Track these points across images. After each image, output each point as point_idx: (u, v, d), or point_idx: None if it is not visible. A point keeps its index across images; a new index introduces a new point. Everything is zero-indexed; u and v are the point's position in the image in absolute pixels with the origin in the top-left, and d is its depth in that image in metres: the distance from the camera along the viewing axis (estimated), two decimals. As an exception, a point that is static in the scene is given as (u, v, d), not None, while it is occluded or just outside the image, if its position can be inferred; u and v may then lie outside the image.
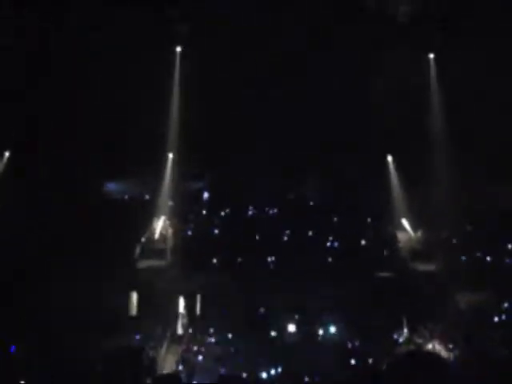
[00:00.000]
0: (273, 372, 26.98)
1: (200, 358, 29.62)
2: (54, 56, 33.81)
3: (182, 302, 32.97)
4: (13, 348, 26.67)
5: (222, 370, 27.59)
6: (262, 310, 31.85)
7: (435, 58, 35.99)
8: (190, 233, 37.56)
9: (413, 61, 34.01)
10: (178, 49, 36.42)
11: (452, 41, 33.24)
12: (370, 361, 27.74)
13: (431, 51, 35.87)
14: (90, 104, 33.24)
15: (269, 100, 34.78)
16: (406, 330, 30.87)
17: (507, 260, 34.74)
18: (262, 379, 26.73)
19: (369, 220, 37.90)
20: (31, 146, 33.57)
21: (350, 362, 27.87)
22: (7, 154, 35.91)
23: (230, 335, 30.75)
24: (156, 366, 27.98)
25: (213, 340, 30.99)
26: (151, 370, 26.02)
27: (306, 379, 26.13)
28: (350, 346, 29.40)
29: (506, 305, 31.70)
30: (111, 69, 33.62)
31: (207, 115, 33.42)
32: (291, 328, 29.53)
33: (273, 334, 30.75)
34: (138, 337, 29.99)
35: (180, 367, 28.40)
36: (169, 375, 25.55)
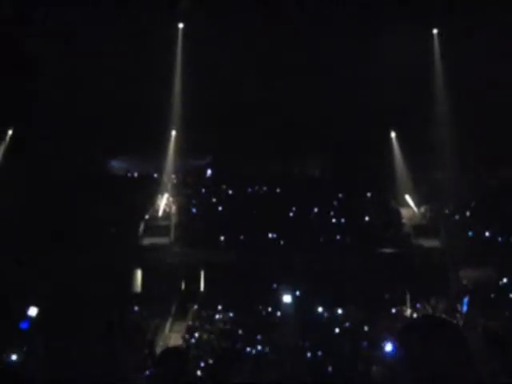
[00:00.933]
0: (269, 347, 27.17)
1: (205, 334, 29.75)
2: (56, 34, 33.69)
3: (185, 278, 33.11)
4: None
5: (225, 345, 27.75)
6: (266, 285, 31.88)
7: (439, 34, 35.86)
8: (193, 210, 37.61)
9: (416, 36, 33.80)
10: (181, 25, 36.27)
11: (456, 15, 33.00)
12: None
13: (435, 26, 35.74)
14: (93, 83, 33.13)
15: (270, 77, 34.67)
16: (409, 306, 30.98)
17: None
18: (261, 353, 26.92)
19: (372, 196, 37.90)
20: (34, 123, 33.52)
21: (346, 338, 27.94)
22: (10, 132, 36.02)
23: (232, 311, 30.86)
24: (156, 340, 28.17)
25: (217, 316, 31.11)
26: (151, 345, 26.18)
27: (309, 355, 26.31)
28: (348, 324, 29.42)
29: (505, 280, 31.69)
30: (114, 46, 33.53)
31: (210, 92, 33.33)
32: (286, 299, 29.46)
33: (270, 309, 30.83)
34: (136, 309, 30.21)
35: (185, 343, 28.51)
36: (176, 348, 25.66)
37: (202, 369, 23.70)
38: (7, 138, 36.07)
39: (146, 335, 27.86)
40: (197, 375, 22.57)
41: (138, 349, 24.70)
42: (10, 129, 36.01)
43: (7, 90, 31.82)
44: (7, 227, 29.56)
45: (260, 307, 31.00)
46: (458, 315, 29.37)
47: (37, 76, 32.93)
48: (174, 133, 37.37)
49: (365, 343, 26.39)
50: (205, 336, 29.26)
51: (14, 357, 20.48)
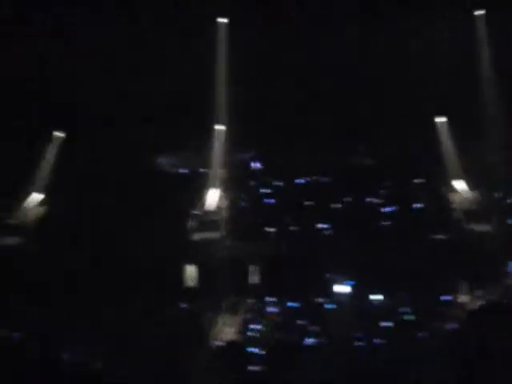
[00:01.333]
0: (324, 338, 27.18)
1: (258, 327, 29.85)
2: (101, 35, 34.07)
3: (237, 272, 33.20)
4: None
5: (280, 337, 27.84)
6: (318, 276, 31.85)
7: (482, 16, 35.44)
8: (242, 203, 37.66)
9: (459, 19, 33.44)
10: (225, 20, 36.27)
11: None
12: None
13: (479, 8, 35.30)
14: (139, 80, 33.39)
15: (317, 67, 34.59)
16: (463, 293, 30.75)
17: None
18: (316, 344, 26.97)
19: (422, 182, 37.60)
20: (82, 124, 33.92)
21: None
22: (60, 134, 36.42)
23: (285, 303, 30.92)
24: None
25: (271, 309, 31.19)
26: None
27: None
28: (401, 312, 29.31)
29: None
30: (158, 43, 33.76)
31: (255, 86, 33.36)
32: (340, 288, 29.30)
33: (319, 300, 30.79)
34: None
35: (239, 337, 28.65)
36: (231, 343, 25.88)
37: (257, 363, 23.82)
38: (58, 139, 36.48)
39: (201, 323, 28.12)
40: (252, 369, 22.71)
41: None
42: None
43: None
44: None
45: (312, 298, 30.98)
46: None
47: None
48: (220, 127, 37.44)
49: (419, 332, 26.28)
50: (259, 329, 29.33)
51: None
